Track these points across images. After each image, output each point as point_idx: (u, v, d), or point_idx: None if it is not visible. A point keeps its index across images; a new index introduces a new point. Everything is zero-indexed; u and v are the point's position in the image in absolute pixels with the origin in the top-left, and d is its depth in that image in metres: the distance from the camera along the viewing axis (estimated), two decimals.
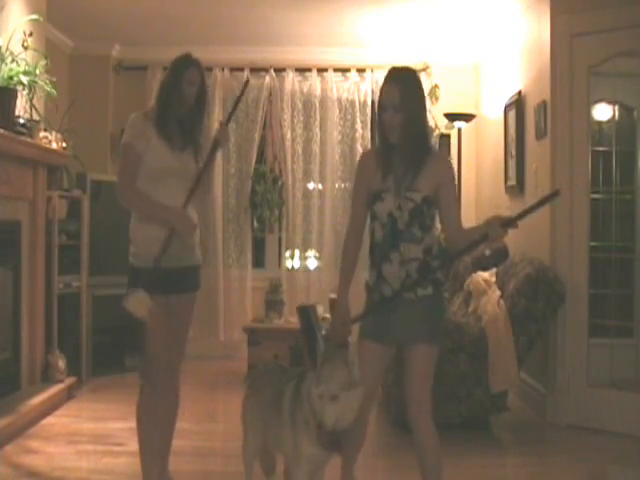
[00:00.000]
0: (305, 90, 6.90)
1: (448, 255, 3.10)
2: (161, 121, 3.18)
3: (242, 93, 3.42)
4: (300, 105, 6.89)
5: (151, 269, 3.08)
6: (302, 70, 6.88)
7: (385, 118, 2.84)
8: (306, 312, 2.94)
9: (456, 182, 3.10)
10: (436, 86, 6.80)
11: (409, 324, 2.88)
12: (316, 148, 6.88)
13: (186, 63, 3.28)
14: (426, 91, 6.71)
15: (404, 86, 2.83)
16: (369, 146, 6.82)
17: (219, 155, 6.84)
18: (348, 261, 3.05)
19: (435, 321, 2.93)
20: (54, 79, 4.61)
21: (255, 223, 6.95)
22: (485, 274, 4.90)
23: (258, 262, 7.09)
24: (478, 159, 6.84)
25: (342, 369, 2.55)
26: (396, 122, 2.81)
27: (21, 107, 4.53)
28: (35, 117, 4.71)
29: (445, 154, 3.38)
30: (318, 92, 6.87)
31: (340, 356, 2.60)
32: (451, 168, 3.04)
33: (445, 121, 6.63)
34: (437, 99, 6.80)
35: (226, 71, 6.87)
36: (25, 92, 4.42)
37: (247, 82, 3.63)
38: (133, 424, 3.41)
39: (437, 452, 2.98)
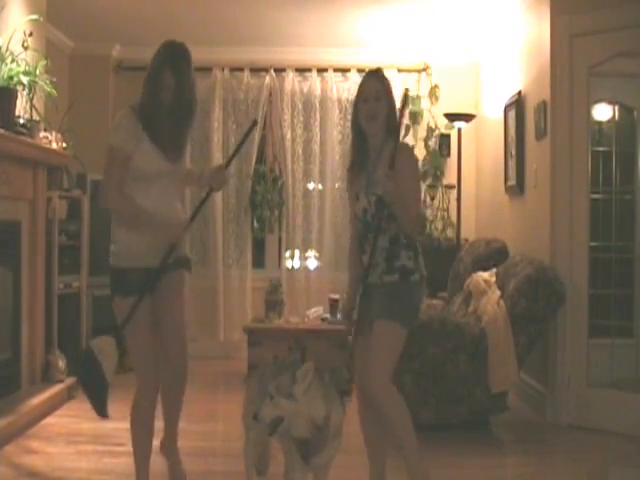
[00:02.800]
0: (305, 90, 6.90)
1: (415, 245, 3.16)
2: (150, 121, 3.11)
3: (247, 134, 3.39)
4: (300, 105, 6.89)
5: (136, 269, 3.09)
6: (302, 70, 6.88)
7: (365, 109, 3.05)
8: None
9: (416, 174, 3.23)
10: (436, 86, 6.80)
11: (372, 305, 3.02)
12: (316, 148, 6.88)
13: (165, 59, 3.18)
14: (426, 91, 6.82)
15: (384, 80, 3.11)
16: None
17: (219, 155, 6.86)
18: (354, 266, 3.21)
19: (398, 301, 3.03)
20: (54, 79, 4.61)
21: (255, 223, 6.95)
22: (485, 274, 4.90)
23: (258, 262, 7.09)
24: (478, 159, 6.84)
25: (287, 377, 2.65)
26: (377, 111, 3.03)
27: (21, 107, 4.53)
28: (35, 117, 4.71)
29: (407, 145, 3.29)
30: (318, 92, 6.87)
31: (294, 368, 2.67)
32: (409, 159, 3.09)
33: (445, 121, 6.64)
34: (437, 99, 6.80)
35: (226, 71, 6.87)
36: (25, 92, 4.42)
37: (255, 123, 3.54)
38: None
39: (405, 422, 2.98)
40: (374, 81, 3.10)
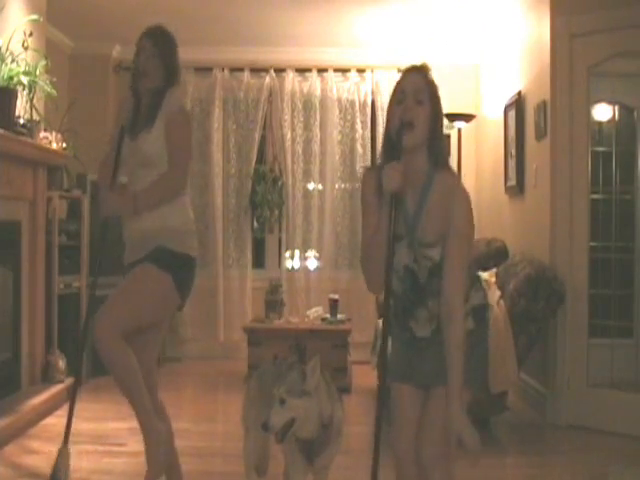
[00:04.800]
0: (305, 90, 6.90)
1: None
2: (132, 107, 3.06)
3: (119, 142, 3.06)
4: (300, 105, 6.89)
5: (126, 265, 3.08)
6: (302, 70, 6.88)
7: (400, 110, 2.29)
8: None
9: (473, 225, 2.38)
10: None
11: (439, 363, 2.36)
12: (316, 148, 6.88)
13: (141, 35, 3.16)
14: None
15: (429, 79, 2.39)
16: (369, 146, 6.83)
17: (219, 155, 6.86)
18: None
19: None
20: (54, 79, 4.61)
21: (255, 223, 6.95)
22: (485, 274, 4.90)
23: (258, 262, 7.09)
24: (478, 159, 6.84)
25: (296, 376, 2.57)
26: (415, 116, 2.28)
27: (21, 107, 4.53)
28: (35, 117, 4.71)
29: (462, 185, 2.41)
30: (318, 92, 6.87)
31: (300, 363, 2.61)
32: (468, 202, 2.32)
33: (445, 121, 6.62)
34: None
35: (226, 71, 6.87)
36: (25, 92, 4.42)
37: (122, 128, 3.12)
38: (133, 424, 3.40)
39: None
40: (416, 78, 2.35)
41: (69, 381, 5.09)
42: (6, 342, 4.62)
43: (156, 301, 3.06)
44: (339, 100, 6.91)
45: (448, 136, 6.80)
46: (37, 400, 4.57)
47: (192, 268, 3.16)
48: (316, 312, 6.08)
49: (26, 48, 4.43)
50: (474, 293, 2.46)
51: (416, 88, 2.31)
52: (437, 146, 2.33)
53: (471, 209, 2.32)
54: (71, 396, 3.11)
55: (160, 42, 3.12)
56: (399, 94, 2.33)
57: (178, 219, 3.12)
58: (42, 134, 4.77)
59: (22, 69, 4.30)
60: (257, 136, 6.84)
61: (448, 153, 2.38)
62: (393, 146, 2.29)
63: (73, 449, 3.98)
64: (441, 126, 2.40)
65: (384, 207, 2.27)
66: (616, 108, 5.02)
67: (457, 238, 2.27)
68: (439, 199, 2.29)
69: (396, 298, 2.41)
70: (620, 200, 4.94)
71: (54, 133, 4.95)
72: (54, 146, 4.92)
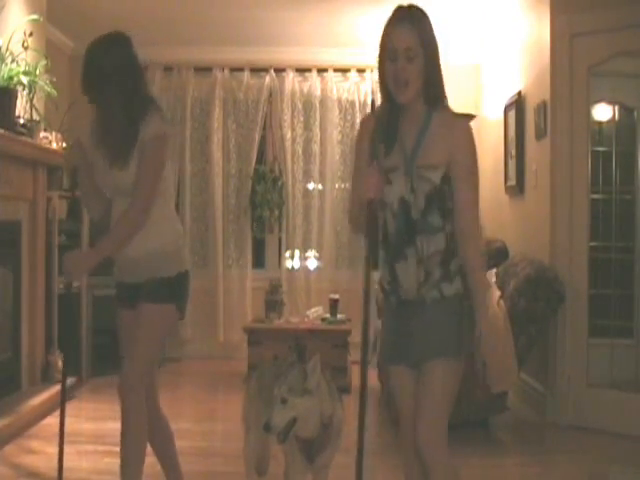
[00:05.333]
0: (305, 90, 6.90)
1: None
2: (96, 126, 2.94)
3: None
4: (300, 105, 6.89)
5: (118, 284, 3.02)
6: (302, 70, 6.88)
7: (393, 70, 2.26)
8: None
9: (476, 158, 2.47)
10: None
11: (429, 333, 2.33)
12: (316, 148, 6.88)
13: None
14: None
15: (420, 26, 2.31)
16: None
17: (219, 155, 6.86)
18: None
19: (461, 323, 2.35)
20: (54, 79, 4.61)
21: (255, 223, 6.95)
22: None
23: (258, 262, 7.09)
24: (478, 159, 6.82)
25: (297, 374, 2.55)
26: (409, 75, 2.26)
27: (21, 107, 4.53)
28: (35, 117, 4.71)
29: (463, 120, 2.50)
30: (318, 92, 6.87)
31: (300, 363, 2.59)
32: (469, 135, 2.40)
33: None
34: None
35: (226, 71, 6.86)
36: (25, 92, 4.42)
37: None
38: None
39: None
40: (405, 30, 2.25)
41: (69, 381, 5.09)
42: (6, 342, 4.62)
43: (165, 332, 3.13)
44: (339, 100, 6.91)
45: None
46: (37, 400, 4.57)
47: (188, 281, 3.09)
48: (316, 312, 6.08)
49: (26, 48, 4.43)
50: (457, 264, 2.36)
51: (407, 46, 2.26)
52: (433, 92, 2.33)
53: (473, 142, 2.39)
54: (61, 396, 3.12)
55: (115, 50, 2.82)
56: (390, 52, 2.28)
57: (167, 238, 2.96)
58: (42, 134, 4.77)
59: (22, 69, 4.30)
60: (257, 136, 6.84)
61: (444, 94, 2.37)
62: (391, 98, 2.31)
63: (73, 449, 4.00)
64: (437, 69, 2.36)
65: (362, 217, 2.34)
66: (616, 108, 5.02)
67: (463, 171, 2.35)
68: (438, 132, 2.31)
69: (389, 239, 2.36)
70: (620, 200, 4.93)
71: (54, 133, 4.95)
72: (54, 146, 4.92)
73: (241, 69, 6.87)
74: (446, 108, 2.38)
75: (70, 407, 4.94)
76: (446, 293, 2.32)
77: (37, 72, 4.41)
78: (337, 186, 6.93)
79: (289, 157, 6.86)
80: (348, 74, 6.87)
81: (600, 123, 5.09)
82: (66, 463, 3.80)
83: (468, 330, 2.32)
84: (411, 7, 2.35)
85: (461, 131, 2.36)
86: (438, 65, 2.35)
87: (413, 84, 2.27)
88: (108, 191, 2.95)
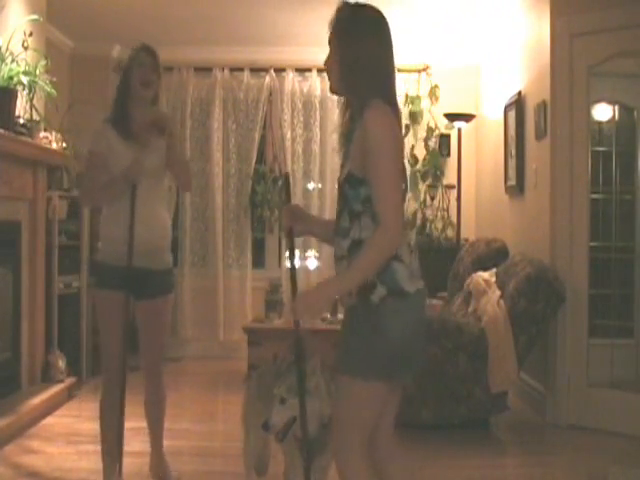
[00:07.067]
0: (305, 90, 6.90)
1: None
2: (120, 120, 3.22)
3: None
4: (300, 105, 6.90)
5: (112, 265, 3.18)
6: (302, 70, 6.88)
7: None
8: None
9: (386, 151, 2.16)
10: (436, 86, 6.80)
11: (341, 344, 2.27)
12: (316, 148, 6.88)
13: (134, 50, 3.31)
14: (426, 91, 6.81)
15: (335, 21, 2.34)
16: None
17: (219, 155, 6.86)
18: None
19: (356, 342, 2.18)
20: (54, 79, 4.61)
21: (255, 223, 6.95)
22: (485, 274, 4.90)
23: (258, 262, 7.09)
24: (478, 159, 6.84)
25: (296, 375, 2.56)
26: (330, 68, 2.41)
27: (21, 107, 4.53)
28: (35, 117, 4.71)
29: (378, 105, 2.25)
30: (318, 92, 6.87)
31: (293, 369, 2.60)
32: (376, 126, 2.17)
33: (445, 121, 6.64)
34: (437, 99, 6.80)
35: (226, 71, 6.87)
36: (25, 92, 4.41)
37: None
38: (133, 424, 3.43)
39: None
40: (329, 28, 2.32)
41: (69, 381, 5.10)
42: (6, 342, 4.62)
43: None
44: (339, 100, 6.89)
45: (448, 136, 6.82)
46: (37, 400, 4.57)
47: None
48: None
49: (26, 48, 4.43)
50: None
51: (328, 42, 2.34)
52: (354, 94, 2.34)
53: (381, 125, 2.18)
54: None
55: (157, 58, 3.32)
56: None
57: (170, 228, 3.45)
58: (42, 134, 4.76)
59: (22, 69, 4.29)
60: (257, 136, 6.85)
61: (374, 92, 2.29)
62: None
63: (73, 449, 4.00)
64: (356, 71, 2.31)
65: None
66: (616, 108, 5.02)
67: (371, 157, 2.15)
68: (358, 136, 2.25)
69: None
70: (620, 200, 4.94)
71: (54, 133, 4.94)
72: (54, 146, 4.91)
73: (241, 69, 6.87)
74: (367, 108, 2.27)
75: (70, 407, 4.96)
76: (358, 301, 2.17)
77: (37, 72, 4.41)
78: (337, 186, 6.91)
79: (289, 157, 6.86)
80: None
81: (600, 123, 5.10)
82: (66, 463, 3.83)
83: (382, 348, 2.13)
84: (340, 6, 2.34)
85: (367, 123, 2.22)
86: (355, 68, 2.32)
87: (332, 73, 2.42)
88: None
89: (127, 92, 3.21)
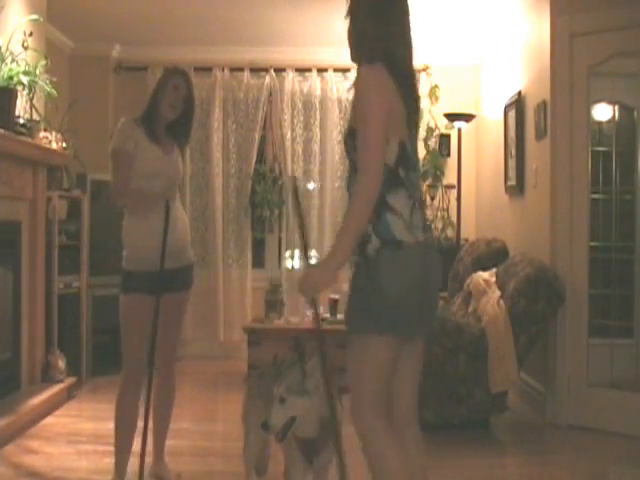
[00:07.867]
0: (305, 90, 6.90)
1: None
2: (149, 124, 3.32)
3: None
4: (300, 105, 6.90)
5: (140, 271, 3.26)
6: (302, 70, 6.88)
7: None
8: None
9: (366, 104, 2.21)
10: (436, 86, 6.80)
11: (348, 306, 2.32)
12: (316, 148, 6.88)
13: (174, 71, 3.49)
14: (426, 91, 6.81)
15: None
16: None
17: (219, 155, 6.86)
18: None
19: (355, 298, 2.26)
20: (54, 79, 4.61)
21: (255, 223, 6.95)
22: (485, 274, 4.90)
23: (258, 262, 7.10)
24: (478, 159, 6.84)
25: (296, 374, 2.57)
26: (348, 39, 2.52)
27: (21, 107, 4.53)
28: (35, 117, 4.71)
29: (370, 65, 2.30)
30: (318, 92, 6.88)
31: (300, 362, 2.61)
32: (360, 81, 2.25)
33: (445, 121, 6.64)
34: (437, 99, 6.80)
35: (226, 71, 6.87)
36: (25, 92, 4.42)
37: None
38: None
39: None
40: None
41: (69, 381, 5.10)
42: (6, 342, 4.61)
43: None
44: (339, 100, 6.91)
45: (448, 136, 6.82)
46: (37, 400, 4.57)
47: None
48: None
49: (26, 48, 4.43)
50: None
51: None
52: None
53: (364, 81, 2.24)
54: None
55: (190, 85, 3.56)
56: None
57: (188, 223, 3.65)
58: (42, 134, 4.76)
59: (22, 69, 4.30)
60: (257, 136, 6.85)
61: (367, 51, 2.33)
62: None
63: (73, 449, 4.01)
64: (362, 40, 2.43)
65: None
66: (616, 108, 5.01)
67: (357, 110, 2.23)
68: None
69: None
70: (620, 200, 4.93)
71: (54, 133, 4.94)
72: (54, 146, 4.91)
73: (241, 69, 6.87)
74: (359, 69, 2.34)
75: (70, 407, 4.97)
76: (358, 256, 2.22)
77: (37, 72, 4.41)
78: (337, 186, 6.92)
79: (289, 157, 6.86)
80: (348, 74, 6.84)
81: (600, 123, 5.09)
82: (66, 463, 3.83)
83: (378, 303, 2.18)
84: None
85: (355, 87, 2.28)
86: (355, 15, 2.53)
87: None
88: (163, 178, 3.36)
89: (159, 98, 3.37)
